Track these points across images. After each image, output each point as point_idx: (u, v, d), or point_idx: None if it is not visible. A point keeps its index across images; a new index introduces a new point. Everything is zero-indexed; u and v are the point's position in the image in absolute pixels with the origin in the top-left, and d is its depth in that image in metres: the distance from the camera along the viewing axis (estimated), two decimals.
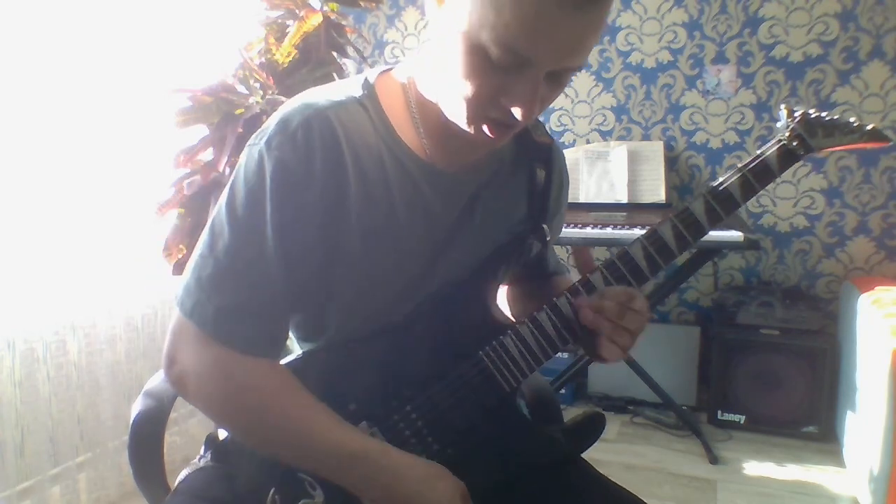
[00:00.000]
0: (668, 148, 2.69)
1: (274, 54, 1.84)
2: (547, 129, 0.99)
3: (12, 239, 1.76)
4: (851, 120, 0.82)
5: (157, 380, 1.05)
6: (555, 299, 0.81)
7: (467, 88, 0.68)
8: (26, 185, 1.79)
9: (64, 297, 1.88)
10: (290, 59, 1.84)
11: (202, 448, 0.96)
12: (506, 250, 0.88)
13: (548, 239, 0.94)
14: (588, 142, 2.85)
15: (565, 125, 2.91)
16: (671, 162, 2.71)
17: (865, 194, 2.55)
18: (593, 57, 2.82)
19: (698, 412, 2.63)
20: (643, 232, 0.81)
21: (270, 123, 0.75)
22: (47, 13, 1.81)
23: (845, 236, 2.60)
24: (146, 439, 0.98)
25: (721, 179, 0.80)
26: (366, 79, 0.81)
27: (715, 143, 2.70)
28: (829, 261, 2.63)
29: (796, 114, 0.81)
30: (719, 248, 2.35)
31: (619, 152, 2.59)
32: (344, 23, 1.99)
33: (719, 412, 2.50)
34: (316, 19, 1.85)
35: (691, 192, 2.74)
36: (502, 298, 1.04)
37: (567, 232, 2.28)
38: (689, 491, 2.12)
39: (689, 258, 2.53)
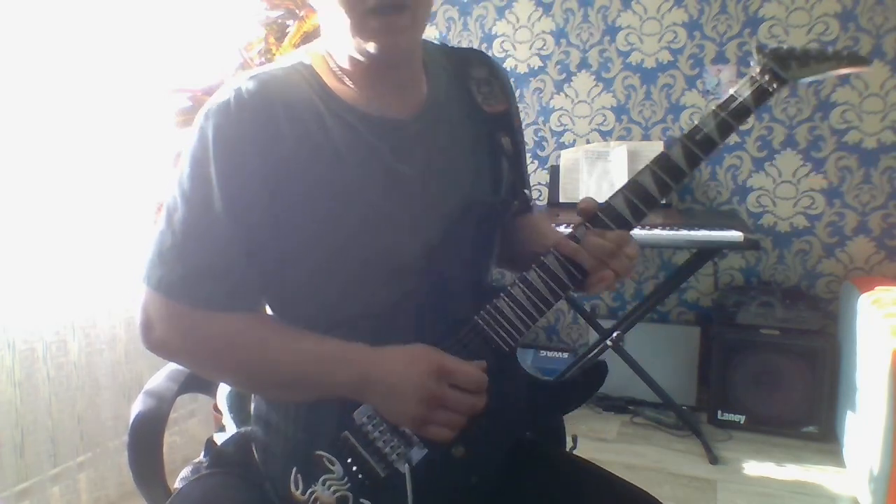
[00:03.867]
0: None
1: (274, 54, 1.85)
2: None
3: (12, 239, 1.76)
4: (827, 47, 0.84)
5: (157, 380, 1.05)
6: (542, 258, 0.83)
7: (341, 2, 0.76)
8: (27, 185, 1.79)
9: (64, 297, 1.88)
10: None
11: (202, 452, 0.97)
12: (492, 216, 0.90)
13: (528, 195, 0.99)
14: (588, 142, 2.85)
15: (565, 125, 2.91)
16: None
17: (865, 194, 2.55)
18: (593, 57, 2.82)
19: (698, 412, 2.62)
20: (626, 182, 0.84)
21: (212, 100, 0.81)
22: (47, 13, 1.81)
23: (845, 236, 2.60)
24: (145, 440, 0.99)
25: (697, 124, 0.82)
26: (298, 53, 0.88)
27: None
28: (829, 261, 2.63)
29: (766, 49, 0.83)
30: (719, 248, 2.36)
31: (619, 152, 2.59)
32: None
33: (719, 412, 2.50)
34: (316, 19, 1.85)
35: (691, 192, 2.74)
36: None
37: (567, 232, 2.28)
38: (689, 491, 2.12)
39: (689, 258, 2.54)
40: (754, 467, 2.26)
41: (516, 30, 2.92)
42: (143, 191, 2.03)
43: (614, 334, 2.46)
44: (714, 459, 2.28)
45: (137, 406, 1.00)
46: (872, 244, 2.57)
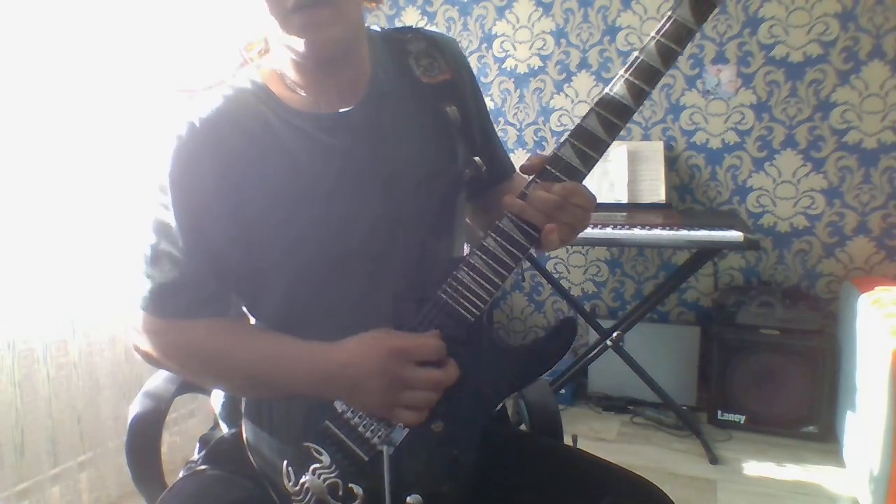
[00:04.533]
0: (668, 148, 2.69)
1: None
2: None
3: (12, 239, 1.76)
4: None
5: (156, 380, 1.05)
6: (498, 222, 0.82)
7: (267, 4, 0.78)
8: (27, 184, 1.79)
9: (64, 297, 1.88)
10: None
11: (196, 449, 0.97)
12: (445, 187, 0.91)
13: (484, 167, 0.96)
14: None
15: (565, 125, 2.91)
16: (671, 162, 2.70)
17: (865, 194, 2.55)
18: (593, 57, 2.82)
19: (698, 412, 2.63)
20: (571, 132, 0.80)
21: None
22: (49, 12, 1.81)
23: (845, 236, 2.59)
24: (144, 440, 0.99)
25: (636, 54, 0.77)
26: (249, 72, 0.91)
27: (715, 143, 2.70)
28: (829, 261, 2.63)
29: None
30: (719, 248, 2.36)
31: (618, 152, 2.59)
32: None
33: (719, 412, 2.50)
34: None
35: (691, 192, 2.74)
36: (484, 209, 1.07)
37: None
38: (689, 491, 2.12)
39: (689, 258, 2.54)
40: (754, 467, 2.26)
41: (516, 30, 2.92)
42: (144, 190, 2.03)
43: (614, 334, 2.46)
44: (714, 459, 2.28)
45: (136, 407, 1.00)
46: (872, 244, 2.57)
